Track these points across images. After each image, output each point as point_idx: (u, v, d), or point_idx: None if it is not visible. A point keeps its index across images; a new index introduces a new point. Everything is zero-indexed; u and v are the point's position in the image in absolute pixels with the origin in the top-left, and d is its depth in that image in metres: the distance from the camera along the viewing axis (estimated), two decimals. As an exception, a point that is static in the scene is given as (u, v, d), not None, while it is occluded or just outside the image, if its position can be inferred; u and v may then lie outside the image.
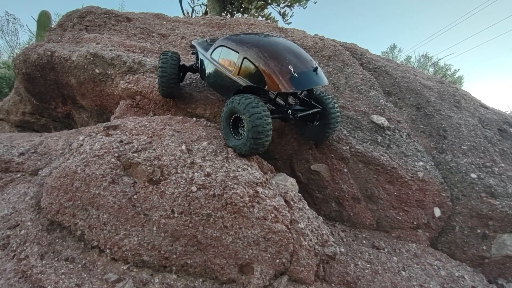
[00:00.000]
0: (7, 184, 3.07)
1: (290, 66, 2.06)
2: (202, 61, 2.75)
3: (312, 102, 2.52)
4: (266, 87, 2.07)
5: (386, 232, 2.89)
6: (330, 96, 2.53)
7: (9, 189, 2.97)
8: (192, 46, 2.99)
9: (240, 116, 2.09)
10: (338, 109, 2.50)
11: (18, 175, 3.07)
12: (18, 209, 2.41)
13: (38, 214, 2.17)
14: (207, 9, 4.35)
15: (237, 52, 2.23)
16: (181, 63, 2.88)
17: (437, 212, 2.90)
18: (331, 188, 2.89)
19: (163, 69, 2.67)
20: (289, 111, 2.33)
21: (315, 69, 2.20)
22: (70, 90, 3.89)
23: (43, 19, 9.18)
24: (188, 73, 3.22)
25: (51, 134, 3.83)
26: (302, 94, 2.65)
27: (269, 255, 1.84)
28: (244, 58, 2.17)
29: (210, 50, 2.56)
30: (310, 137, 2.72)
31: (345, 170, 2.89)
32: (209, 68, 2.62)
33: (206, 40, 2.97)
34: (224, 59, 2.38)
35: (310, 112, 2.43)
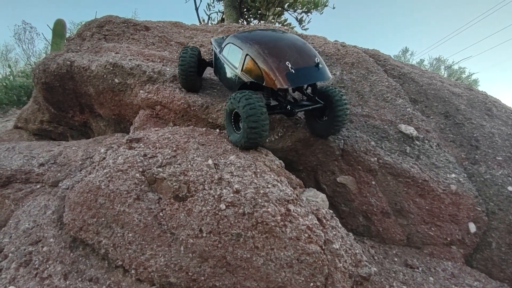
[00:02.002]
0: (27, 195, 3.05)
1: (287, 62, 2.09)
2: (215, 57, 2.87)
3: (316, 97, 2.49)
4: (264, 83, 2.14)
5: (417, 248, 2.73)
6: (337, 90, 2.45)
7: (29, 200, 2.94)
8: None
9: (237, 110, 2.15)
10: (346, 103, 2.42)
11: (38, 186, 3.05)
12: (39, 224, 2.37)
13: (60, 230, 2.11)
14: (224, 16, 4.33)
15: (241, 49, 2.33)
16: (201, 58, 3.02)
17: (472, 227, 2.73)
18: (358, 202, 2.76)
19: (182, 59, 2.83)
20: (288, 106, 2.37)
21: (317, 65, 2.19)
22: (88, 99, 3.88)
23: (59, 27, 9.38)
24: (208, 83, 3.19)
25: (69, 143, 3.81)
26: (307, 90, 2.63)
27: (303, 279, 1.72)
28: (247, 55, 2.26)
29: (221, 47, 2.68)
30: (319, 132, 2.67)
31: (373, 182, 2.76)
32: (220, 65, 2.74)
33: (223, 37, 2.99)
34: (231, 55, 2.48)
35: (310, 107, 2.44)
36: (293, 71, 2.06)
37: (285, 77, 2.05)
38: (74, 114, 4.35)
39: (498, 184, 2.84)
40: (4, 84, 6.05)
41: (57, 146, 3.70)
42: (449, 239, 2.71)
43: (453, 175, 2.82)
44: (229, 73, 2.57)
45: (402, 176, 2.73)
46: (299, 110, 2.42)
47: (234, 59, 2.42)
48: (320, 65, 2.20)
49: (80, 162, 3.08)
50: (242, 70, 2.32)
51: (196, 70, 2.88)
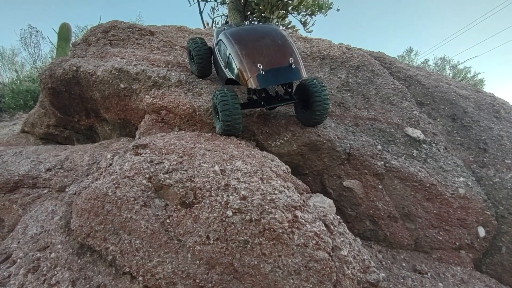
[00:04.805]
0: (34, 200, 3.08)
1: (259, 64, 2.28)
2: (213, 49, 3.04)
3: (293, 93, 2.71)
4: (240, 82, 2.40)
5: (425, 253, 2.70)
6: (318, 83, 2.60)
7: (36, 205, 2.96)
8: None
9: (216, 105, 2.45)
10: (325, 97, 2.57)
11: (45, 191, 3.07)
12: (47, 229, 2.38)
13: (68, 236, 2.12)
14: (228, 20, 4.35)
15: (227, 48, 2.52)
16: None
17: (482, 231, 2.70)
18: (365, 206, 2.74)
19: (197, 47, 3.07)
20: (262, 102, 2.59)
21: (290, 65, 2.34)
22: (94, 104, 3.90)
23: (64, 31, 9.49)
24: (211, 88, 3.20)
25: (75, 148, 3.84)
26: (285, 86, 2.80)
27: (311, 286, 1.71)
28: (229, 54, 2.47)
29: (215, 41, 2.87)
30: (302, 121, 2.85)
31: (380, 186, 2.73)
32: (215, 58, 2.96)
33: (224, 28, 3.04)
34: (221, 52, 2.69)
35: (282, 104, 2.71)
36: (263, 73, 2.27)
37: (256, 78, 2.27)
38: (80, 118, 4.38)
39: (507, 187, 2.80)
40: (11, 88, 6.12)
41: (63, 150, 3.73)
42: (458, 243, 2.67)
43: (461, 179, 2.78)
44: (220, 67, 2.80)
45: (409, 180, 2.71)
46: (271, 107, 2.70)
47: (223, 55, 2.65)
48: (293, 65, 2.35)
49: (86, 167, 3.10)
50: (225, 67, 2.59)
51: (210, 56, 3.12)
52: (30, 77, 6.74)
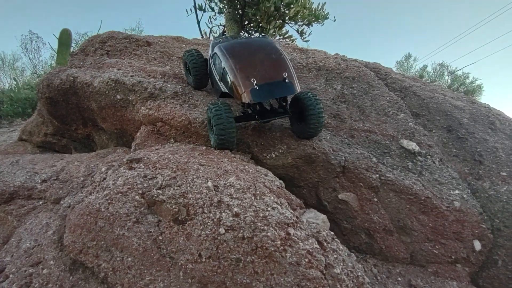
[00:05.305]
0: (29, 211, 3.07)
1: (253, 79, 2.30)
2: (209, 61, 3.07)
3: (287, 106, 2.75)
4: (233, 96, 2.43)
5: (421, 266, 2.69)
6: (313, 97, 2.60)
7: (31, 217, 2.95)
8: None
9: (210, 118, 2.48)
10: (320, 110, 2.57)
11: (40, 203, 3.06)
12: (40, 243, 2.37)
13: (60, 252, 2.11)
14: (225, 30, 4.38)
15: (221, 61, 2.53)
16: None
17: (477, 245, 2.68)
18: (360, 219, 2.73)
19: (194, 60, 3.08)
20: (256, 116, 2.63)
21: (284, 79, 2.36)
22: (91, 114, 3.91)
23: (64, 36, 9.56)
24: (206, 100, 3.22)
25: (72, 157, 3.84)
26: (280, 99, 2.83)
27: (303, 305, 1.70)
28: (224, 68, 2.49)
29: (210, 54, 2.89)
30: (297, 134, 2.85)
31: (375, 199, 2.73)
32: (210, 70, 2.98)
33: (219, 40, 3.07)
34: (216, 65, 2.71)
35: (276, 118, 2.74)
36: (257, 88, 2.28)
37: (249, 92, 2.28)
38: (77, 127, 4.39)
39: (503, 200, 2.80)
40: (10, 96, 6.15)
41: (60, 160, 3.73)
42: (453, 257, 2.66)
43: (457, 191, 2.78)
44: (215, 80, 2.82)
45: (404, 193, 2.70)
46: (265, 121, 2.72)
47: (217, 69, 2.67)
48: (287, 80, 2.36)
49: (82, 179, 3.09)
50: (220, 80, 2.61)
51: (206, 68, 3.12)
52: (28, 84, 6.77)
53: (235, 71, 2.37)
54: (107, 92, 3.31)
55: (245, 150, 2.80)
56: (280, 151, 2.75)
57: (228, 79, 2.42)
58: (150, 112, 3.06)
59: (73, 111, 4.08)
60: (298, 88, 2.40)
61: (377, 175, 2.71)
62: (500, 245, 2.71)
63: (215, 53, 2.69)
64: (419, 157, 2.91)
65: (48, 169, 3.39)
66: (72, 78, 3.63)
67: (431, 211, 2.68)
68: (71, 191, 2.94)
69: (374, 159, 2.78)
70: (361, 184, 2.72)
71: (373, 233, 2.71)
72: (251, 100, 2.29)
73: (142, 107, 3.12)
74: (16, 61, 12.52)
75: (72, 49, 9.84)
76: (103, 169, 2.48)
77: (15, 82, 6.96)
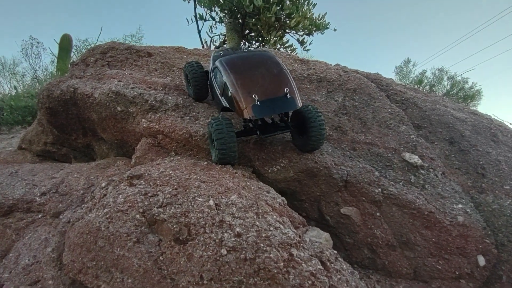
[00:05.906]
0: (28, 225, 3.03)
1: (254, 95, 2.29)
2: (210, 74, 3.06)
3: (288, 121, 2.75)
4: (235, 111, 2.43)
5: (425, 282, 2.65)
6: (314, 110, 2.59)
7: (30, 231, 2.92)
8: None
9: (212, 133, 2.45)
10: (321, 124, 2.55)
11: (39, 216, 3.03)
12: (39, 261, 2.34)
13: (59, 271, 2.08)
14: (226, 39, 4.38)
15: (223, 76, 2.52)
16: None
17: (481, 260, 2.65)
18: (363, 234, 2.70)
19: (194, 72, 3.09)
20: (258, 131, 2.62)
21: (286, 95, 2.36)
22: (91, 124, 3.90)
23: (65, 41, 9.61)
24: (208, 112, 3.21)
25: (71, 168, 3.81)
26: (281, 114, 2.82)
27: (306, 328, 1.67)
28: (225, 83, 2.47)
29: (211, 67, 2.88)
30: (299, 147, 2.84)
31: (378, 214, 2.71)
32: (211, 84, 2.97)
33: (220, 53, 3.04)
34: (217, 79, 2.70)
35: (277, 133, 2.72)
36: (259, 104, 2.28)
37: (251, 108, 2.28)
38: (77, 136, 4.37)
39: (506, 214, 2.77)
40: (10, 104, 6.15)
41: (60, 170, 3.70)
42: (457, 272, 2.63)
43: (460, 206, 2.76)
44: (216, 95, 2.81)
45: (407, 208, 2.68)
46: (267, 136, 2.67)
47: (219, 83, 2.66)
48: (288, 95, 2.36)
49: (81, 192, 3.06)
50: (221, 95, 2.61)
51: (206, 80, 3.13)
52: (29, 92, 6.77)
53: (236, 86, 2.36)
54: (107, 104, 3.30)
55: (246, 164, 2.78)
56: (281, 165, 2.73)
57: (230, 94, 2.41)
58: (151, 124, 3.04)
59: (73, 121, 4.06)
60: (300, 103, 2.39)
61: (380, 189, 2.69)
62: (504, 260, 2.67)
63: (216, 67, 2.69)
64: (421, 171, 2.89)
65: (48, 181, 3.36)
66: (72, 89, 3.62)
67: (434, 225, 2.65)
68: (70, 205, 2.91)
69: (377, 173, 2.76)
70: (364, 198, 2.69)
71: (376, 248, 2.68)
72: (253, 116, 2.29)
73: (143, 119, 3.11)
74: (16, 66, 12.53)
75: (72, 55, 9.87)
76: (103, 185, 2.45)
77: (15, 90, 6.95)
